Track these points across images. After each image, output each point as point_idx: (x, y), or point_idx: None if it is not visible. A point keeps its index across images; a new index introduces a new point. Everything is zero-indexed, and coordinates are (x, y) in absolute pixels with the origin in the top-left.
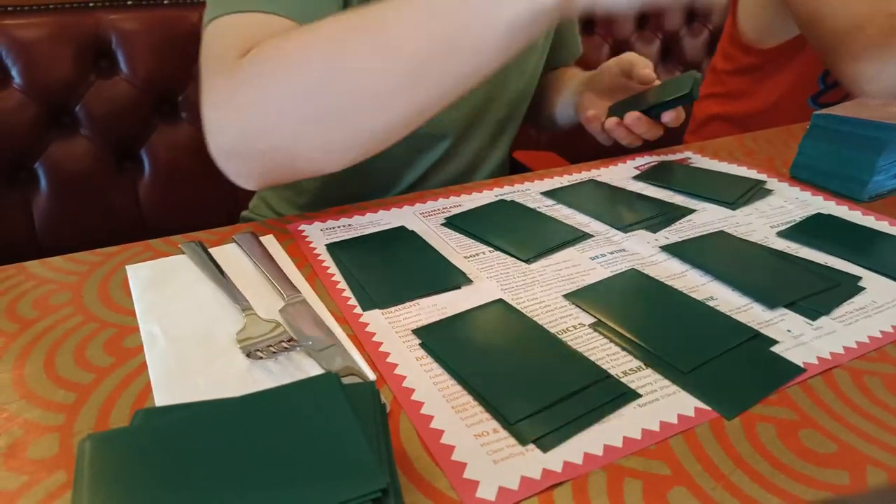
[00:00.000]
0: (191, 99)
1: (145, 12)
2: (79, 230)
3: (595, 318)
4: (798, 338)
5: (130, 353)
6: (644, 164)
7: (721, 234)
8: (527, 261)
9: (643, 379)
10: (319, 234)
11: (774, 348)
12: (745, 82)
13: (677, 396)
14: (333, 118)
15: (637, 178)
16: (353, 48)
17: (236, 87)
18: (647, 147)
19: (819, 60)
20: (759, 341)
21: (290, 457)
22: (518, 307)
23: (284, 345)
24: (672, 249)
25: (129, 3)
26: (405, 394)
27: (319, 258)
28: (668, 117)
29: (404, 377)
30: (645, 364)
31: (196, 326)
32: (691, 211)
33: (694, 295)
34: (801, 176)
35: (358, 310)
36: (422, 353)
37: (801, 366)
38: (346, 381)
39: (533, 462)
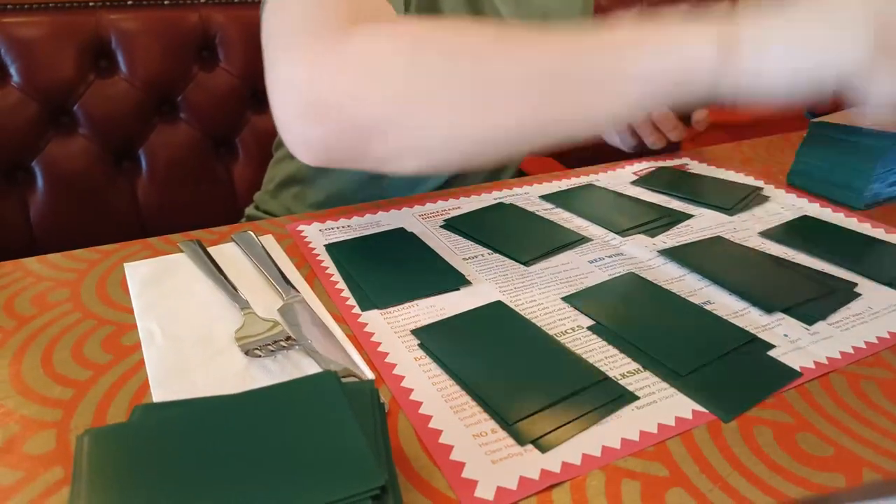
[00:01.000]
0: (190, 99)
1: (145, 12)
2: (76, 230)
3: (593, 320)
4: (795, 342)
5: (128, 350)
6: (642, 170)
7: (718, 240)
8: (525, 263)
9: (641, 381)
10: (318, 234)
11: (771, 352)
12: None
13: (675, 399)
14: (447, 110)
15: (635, 182)
16: (499, 53)
17: (355, 48)
18: (645, 153)
19: None
20: (756, 345)
21: (289, 453)
22: (516, 309)
23: (283, 343)
24: (670, 254)
25: (129, 3)
26: (404, 393)
27: (318, 258)
28: (700, 115)
29: (403, 377)
30: (643, 366)
31: (194, 325)
32: (689, 216)
33: (691, 299)
34: (798, 183)
35: (357, 310)
36: (420, 353)
37: (798, 370)
38: (344, 380)
39: (531, 462)
